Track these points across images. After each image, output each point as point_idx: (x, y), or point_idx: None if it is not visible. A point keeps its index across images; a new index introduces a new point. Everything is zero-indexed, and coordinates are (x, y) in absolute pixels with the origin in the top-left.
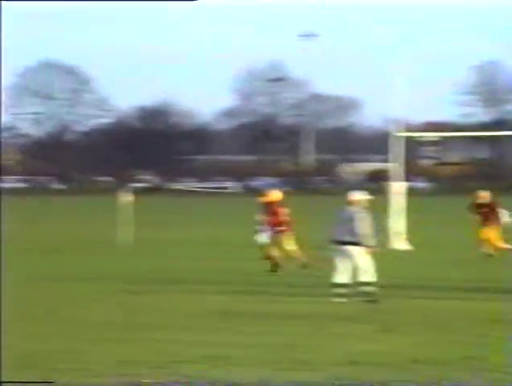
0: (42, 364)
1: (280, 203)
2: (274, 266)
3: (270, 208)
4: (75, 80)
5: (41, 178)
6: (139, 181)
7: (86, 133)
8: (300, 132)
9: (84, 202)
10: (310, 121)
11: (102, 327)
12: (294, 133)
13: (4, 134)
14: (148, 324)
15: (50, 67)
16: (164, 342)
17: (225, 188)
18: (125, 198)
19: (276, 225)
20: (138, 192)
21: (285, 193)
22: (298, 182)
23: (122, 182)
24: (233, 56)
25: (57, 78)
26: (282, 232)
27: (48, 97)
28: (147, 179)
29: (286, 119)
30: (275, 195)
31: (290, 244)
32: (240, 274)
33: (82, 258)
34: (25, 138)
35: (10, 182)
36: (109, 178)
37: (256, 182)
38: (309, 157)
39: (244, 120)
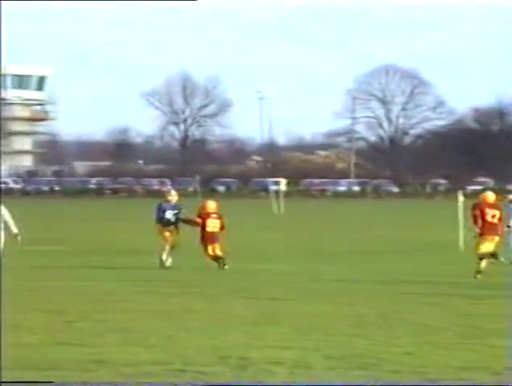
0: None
1: (491, 205)
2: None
3: (479, 210)
4: (413, 83)
5: (376, 182)
6: (476, 183)
7: (421, 136)
8: None
9: (419, 205)
10: None
11: (437, 331)
12: None
13: (340, 139)
14: (485, 330)
15: (388, 71)
16: (502, 348)
17: None
18: (462, 200)
19: (481, 228)
20: (473, 195)
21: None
22: None
23: (459, 184)
24: None
25: (395, 81)
26: (484, 234)
27: (385, 101)
28: (484, 181)
29: None
30: (486, 196)
31: (489, 248)
32: None
33: (416, 260)
34: (362, 142)
35: (345, 185)
36: (445, 181)
37: None
38: None
39: None
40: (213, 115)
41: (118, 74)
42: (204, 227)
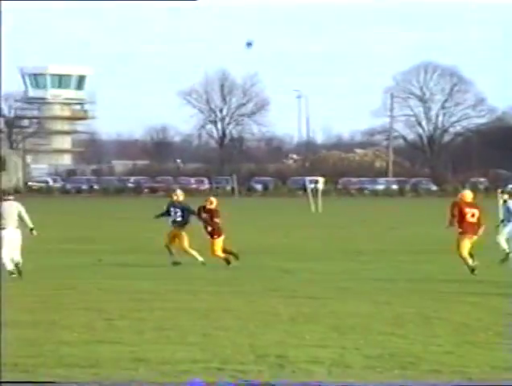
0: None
1: (470, 204)
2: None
3: (457, 209)
4: (453, 80)
5: (415, 180)
6: None
7: (461, 134)
8: None
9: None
10: None
11: (477, 330)
12: None
13: (379, 137)
14: None
15: (427, 68)
16: None
17: None
18: (502, 199)
19: (462, 227)
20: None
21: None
22: None
23: (498, 182)
24: None
25: (434, 79)
26: (464, 233)
27: (424, 99)
28: None
29: None
30: (464, 195)
31: (468, 247)
32: None
33: (455, 259)
34: (400, 140)
35: (384, 184)
36: (484, 179)
37: None
38: None
39: None
40: (251, 113)
41: (157, 73)
42: (216, 221)
